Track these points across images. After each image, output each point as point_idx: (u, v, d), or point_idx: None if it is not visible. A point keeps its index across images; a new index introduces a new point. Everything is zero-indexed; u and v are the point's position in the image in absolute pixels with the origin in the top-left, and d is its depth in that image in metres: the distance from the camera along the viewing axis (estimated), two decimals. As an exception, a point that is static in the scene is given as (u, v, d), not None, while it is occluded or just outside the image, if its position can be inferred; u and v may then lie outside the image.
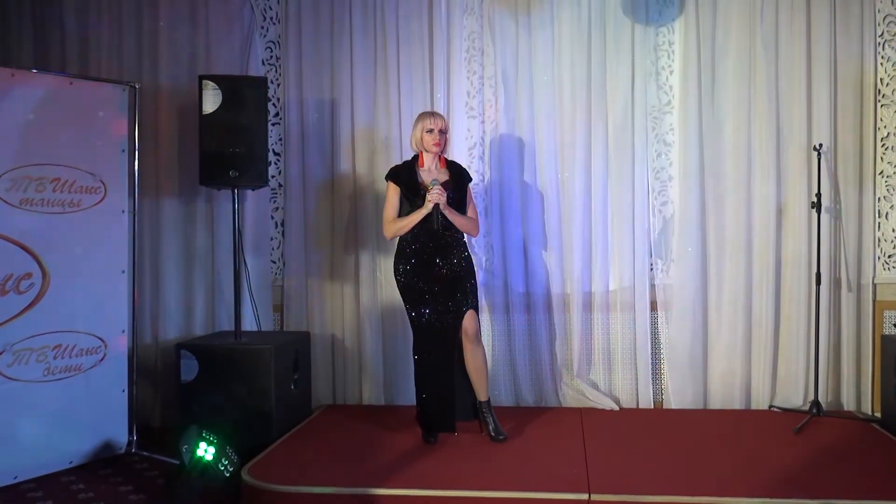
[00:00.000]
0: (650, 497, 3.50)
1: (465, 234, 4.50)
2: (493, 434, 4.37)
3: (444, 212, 4.24)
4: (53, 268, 4.27)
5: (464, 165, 4.64)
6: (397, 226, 4.34)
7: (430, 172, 4.38)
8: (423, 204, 4.25)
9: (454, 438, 4.40)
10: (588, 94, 5.15)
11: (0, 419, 4.06)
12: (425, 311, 4.34)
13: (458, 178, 4.44)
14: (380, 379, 5.35)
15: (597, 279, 5.20)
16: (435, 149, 4.38)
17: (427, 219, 4.25)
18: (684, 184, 5.11)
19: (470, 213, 4.48)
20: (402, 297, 4.44)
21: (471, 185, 4.56)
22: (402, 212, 4.36)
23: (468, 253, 4.47)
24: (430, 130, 4.36)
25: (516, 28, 5.20)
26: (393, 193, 4.39)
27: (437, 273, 4.33)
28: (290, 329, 5.39)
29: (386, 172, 4.50)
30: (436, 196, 4.19)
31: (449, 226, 4.31)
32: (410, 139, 4.51)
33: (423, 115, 4.44)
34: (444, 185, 4.29)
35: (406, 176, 4.39)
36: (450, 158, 4.60)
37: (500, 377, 5.25)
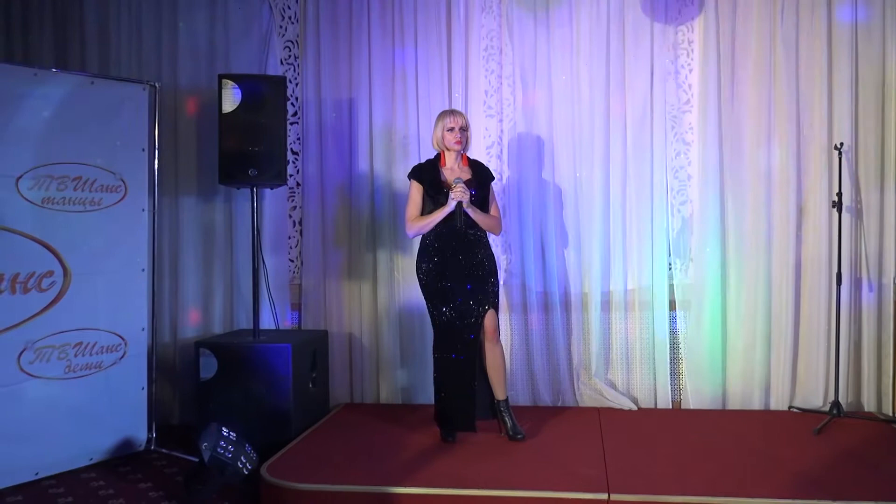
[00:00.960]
0: (669, 497, 3.48)
1: (488, 233, 4.50)
2: (510, 433, 4.37)
3: (467, 210, 4.24)
4: (74, 266, 4.29)
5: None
6: (420, 224, 4.34)
7: (453, 171, 4.38)
8: (446, 202, 4.25)
9: (472, 437, 4.39)
10: (606, 93, 5.14)
11: (22, 416, 4.08)
12: (446, 309, 4.33)
13: (480, 177, 4.43)
14: (397, 378, 5.36)
15: (615, 278, 5.19)
16: (456, 147, 4.38)
17: (450, 217, 4.25)
18: (703, 183, 5.09)
19: (493, 211, 4.47)
20: (424, 295, 4.44)
21: (491, 184, 4.55)
22: (425, 210, 4.36)
23: (491, 252, 4.47)
24: (451, 129, 4.36)
25: (534, 26, 5.19)
26: (416, 191, 4.39)
27: (460, 272, 4.33)
28: (308, 328, 5.41)
29: (404, 171, 4.53)
30: (459, 193, 4.18)
31: (472, 224, 4.31)
32: (432, 138, 4.50)
33: (444, 114, 4.44)
34: (468, 183, 4.29)
35: (429, 174, 4.39)
36: (472, 157, 4.60)
37: (517, 376, 5.24)
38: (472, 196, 4.26)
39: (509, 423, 4.39)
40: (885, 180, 4.94)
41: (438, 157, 4.46)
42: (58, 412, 4.24)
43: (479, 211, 4.32)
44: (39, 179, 4.16)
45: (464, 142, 4.39)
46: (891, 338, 4.95)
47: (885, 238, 4.95)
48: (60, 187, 4.25)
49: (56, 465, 4.23)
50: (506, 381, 4.47)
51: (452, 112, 4.42)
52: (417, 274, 4.43)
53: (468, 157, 4.50)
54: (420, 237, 4.44)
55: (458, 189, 4.19)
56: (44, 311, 4.18)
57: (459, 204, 4.21)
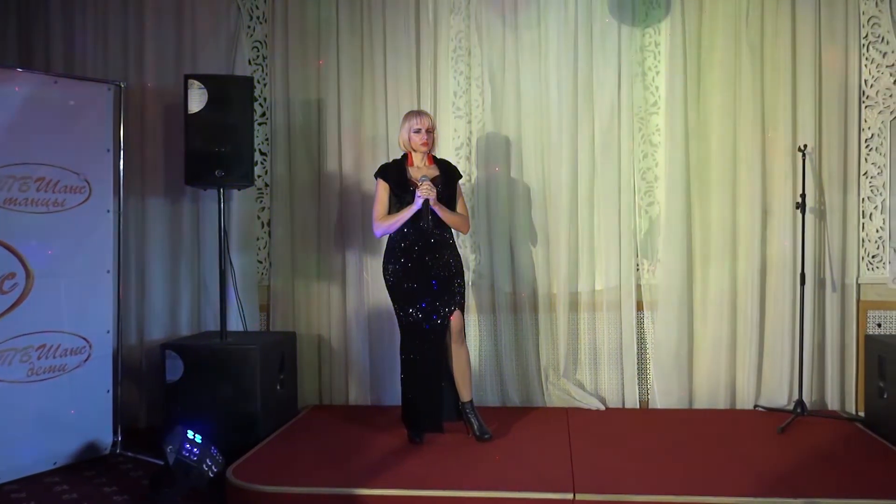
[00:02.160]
0: (635, 497, 3.51)
1: (455, 233, 4.50)
2: (478, 434, 4.38)
3: (433, 207, 4.23)
4: (37, 268, 4.24)
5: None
6: (387, 223, 4.33)
7: (420, 170, 4.37)
8: (412, 201, 4.24)
9: (440, 438, 4.39)
10: (574, 95, 5.16)
11: (-17, 420, 4.04)
12: (413, 310, 4.33)
13: (447, 175, 4.43)
14: (366, 379, 5.34)
15: (583, 279, 5.22)
16: (423, 148, 4.37)
17: (417, 215, 4.24)
18: (670, 184, 5.12)
19: (460, 209, 4.47)
20: (391, 296, 4.44)
21: (459, 183, 4.55)
22: (392, 210, 4.35)
23: (457, 253, 4.47)
24: (418, 130, 4.35)
25: (503, 28, 5.20)
26: (382, 191, 4.38)
27: (426, 273, 4.32)
28: (277, 329, 5.37)
29: (373, 171, 4.51)
30: (426, 191, 4.18)
31: (439, 225, 4.30)
32: (398, 139, 4.50)
33: (410, 115, 4.43)
34: (434, 180, 4.29)
35: (395, 173, 4.38)
36: (439, 157, 4.61)
37: (486, 377, 5.26)
38: (438, 194, 4.26)
39: (476, 424, 4.40)
40: (848, 182, 5.02)
41: (405, 156, 4.46)
42: (20, 416, 4.18)
43: (446, 209, 4.32)
44: (1, 180, 4.11)
45: (430, 143, 4.39)
46: (853, 337, 5.03)
47: (847, 239, 5.04)
48: (23, 188, 4.19)
49: (19, 469, 4.17)
50: (471, 382, 4.48)
51: (419, 113, 4.42)
52: (384, 275, 4.42)
53: (434, 157, 4.50)
54: (387, 238, 4.44)
55: (425, 186, 4.19)
56: (5, 313, 4.13)
57: (426, 202, 4.20)
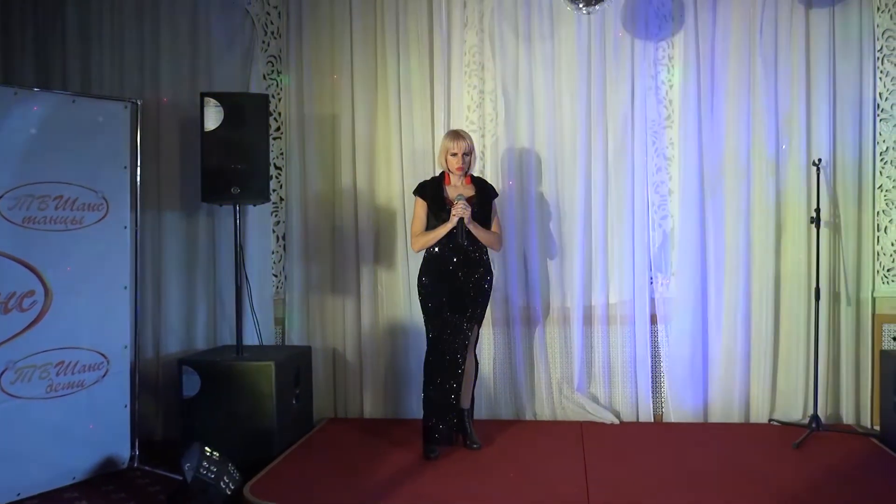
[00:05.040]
0: (649, 515, 3.53)
1: (489, 251, 4.56)
2: (468, 442, 4.54)
3: (468, 226, 4.32)
4: (56, 285, 4.27)
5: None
6: (424, 239, 4.46)
7: (456, 188, 4.48)
8: (448, 218, 4.34)
9: (455, 454, 4.42)
10: (588, 109, 5.17)
11: (2, 436, 4.05)
12: (440, 323, 4.41)
13: (483, 194, 4.54)
14: (381, 392, 5.36)
15: (597, 292, 5.22)
16: (458, 172, 4.48)
17: (452, 233, 4.32)
18: (684, 198, 5.13)
19: (494, 228, 4.57)
20: (422, 308, 4.52)
21: (494, 202, 4.62)
22: (430, 226, 4.47)
23: (490, 272, 4.58)
24: (454, 154, 4.45)
25: (516, 42, 5.22)
26: (420, 208, 4.50)
27: (458, 289, 4.43)
28: (292, 343, 5.41)
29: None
30: (460, 211, 4.29)
31: (474, 242, 4.40)
32: (438, 157, 4.61)
33: (448, 136, 4.54)
34: (469, 200, 4.40)
35: (432, 191, 4.50)
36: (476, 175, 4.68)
37: (500, 390, 5.27)
38: (473, 213, 4.36)
39: (468, 432, 4.56)
40: (863, 196, 5.01)
41: (443, 174, 4.55)
42: (39, 432, 4.20)
43: (480, 227, 4.43)
44: (20, 199, 4.13)
45: (465, 166, 4.49)
46: (869, 351, 5.02)
47: (862, 253, 5.02)
48: (41, 206, 4.22)
49: (38, 485, 4.19)
50: (472, 391, 4.62)
51: (456, 136, 4.49)
52: (418, 287, 4.53)
53: (472, 175, 4.59)
54: (423, 253, 4.54)
55: (460, 206, 4.31)
56: (25, 330, 4.15)
57: (461, 220, 4.30)
